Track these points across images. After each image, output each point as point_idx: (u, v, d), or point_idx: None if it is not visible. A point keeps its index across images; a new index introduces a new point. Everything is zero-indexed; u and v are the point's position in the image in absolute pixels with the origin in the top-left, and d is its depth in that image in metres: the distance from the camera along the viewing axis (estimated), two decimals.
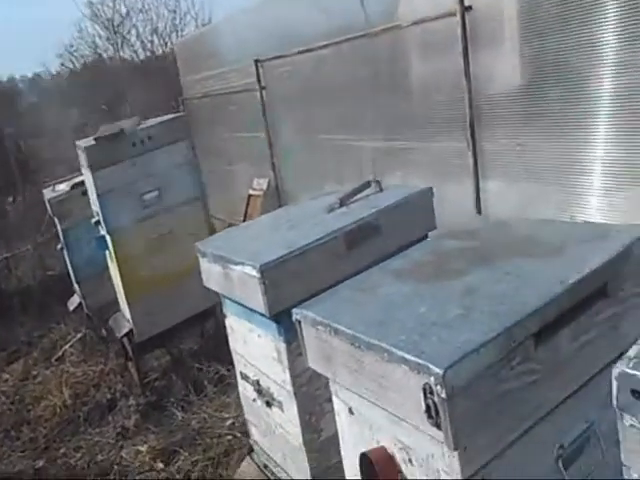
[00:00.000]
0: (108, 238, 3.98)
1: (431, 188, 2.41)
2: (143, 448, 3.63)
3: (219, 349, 4.22)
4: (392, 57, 3.95)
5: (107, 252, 4.17)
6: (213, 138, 6.82)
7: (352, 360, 1.52)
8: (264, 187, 5.79)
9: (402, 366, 1.34)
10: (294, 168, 5.37)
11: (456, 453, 1.31)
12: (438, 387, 1.23)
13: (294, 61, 4.91)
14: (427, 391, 1.27)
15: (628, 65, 2.56)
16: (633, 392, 0.71)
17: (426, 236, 2.32)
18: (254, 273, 2.00)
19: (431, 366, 1.25)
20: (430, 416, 1.28)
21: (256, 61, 5.34)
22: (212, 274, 2.35)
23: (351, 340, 1.50)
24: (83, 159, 3.91)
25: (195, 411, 3.89)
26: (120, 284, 4.05)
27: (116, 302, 4.54)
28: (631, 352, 0.74)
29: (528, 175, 3.32)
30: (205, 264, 2.40)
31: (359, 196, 2.45)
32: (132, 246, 3.99)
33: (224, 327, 4.36)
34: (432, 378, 1.24)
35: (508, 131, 3.34)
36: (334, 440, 2.15)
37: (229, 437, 3.54)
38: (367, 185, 2.48)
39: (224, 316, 2.52)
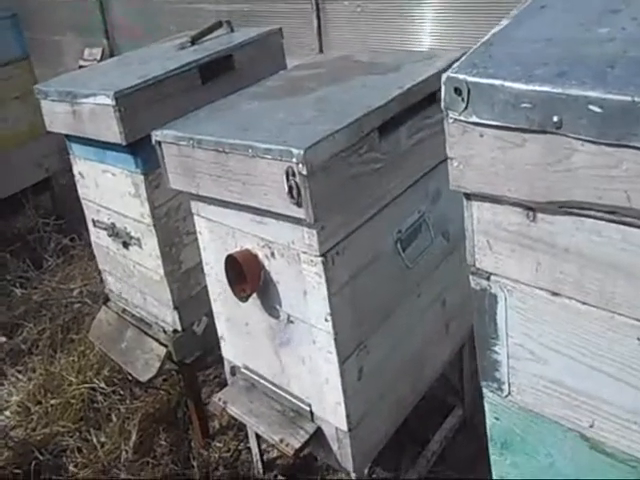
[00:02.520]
0: None
1: (280, 29, 2.61)
2: None
3: (59, 220, 4.26)
4: None
5: None
6: (32, 3, 6.40)
7: (216, 167, 1.73)
8: (97, 57, 5.63)
9: (266, 157, 1.56)
10: (131, 35, 5.26)
11: (315, 232, 1.58)
12: (299, 166, 1.48)
13: None
14: (289, 174, 1.52)
15: None
16: (455, 89, 0.98)
17: None
18: (108, 101, 2.09)
19: (293, 149, 1.49)
20: (292, 196, 1.54)
21: None
22: (57, 114, 2.39)
23: (214, 146, 1.69)
24: None
25: (36, 286, 3.93)
26: None
27: None
28: (455, 64, 1.02)
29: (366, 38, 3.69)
30: (48, 105, 2.42)
31: (211, 36, 2.59)
32: None
33: (63, 197, 4.37)
34: (294, 159, 1.49)
35: None
36: (194, 272, 2.41)
37: (77, 305, 3.65)
38: (218, 25, 2.61)
39: (72, 164, 2.58)
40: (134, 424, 2.61)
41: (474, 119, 0.99)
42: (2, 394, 3.09)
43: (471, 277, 1.10)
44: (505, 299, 1.06)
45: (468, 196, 1.06)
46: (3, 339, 3.52)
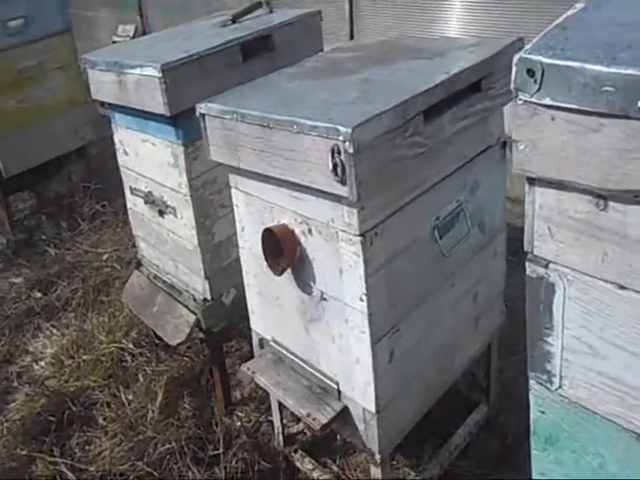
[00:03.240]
0: None
1: (319, 11, 2.50)
2: (18, 280, 3.60)
3: (93, 187, 4.21)
4: None
5: None
6: None
7: (259, 141, 1.63)
8: (130, 34, 5.52)
9: (311, 134, 1.46)
10: (164, 12, 5.15)
11: (355, 211, 1.49)
12: (346, 144, 1.38)
13: None
14: (335, 151, 1.42)
15: None
16: (528, 71, 0.89)
17: None
18: (155, 73, 2.00)
19: (340, 127, 1.39)
20: (336, 174, 1.44)
21: None
22: (103, 84, 2.31)
23: (259, 121, 1.60)
24: None
25: (69, 247, 3.88)
26: None
27: None
28: (527, 46, 0.92)
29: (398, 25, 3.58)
30: (95, 74, 2.34)
31: (250, 15, 2.49)
32: None
33: (97, 166, 4.32)
34: (341, 137, 1.39)
35: None
36: (225, 244, 2.33)
37: (107, 269, 3.59)
38: (258, 5, 2.51)
39: (113, 132, 2.50)
40: (160, 386, 2.55)
41: (547, 101, 0.89)
42: (37, 346, 3.05)
43: (527, 264, 1.00)
44: (564, 289, 0.97)
45: (532, 181, 0.97)
46: (38, 295, 3.48)
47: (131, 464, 2.18)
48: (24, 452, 2.37)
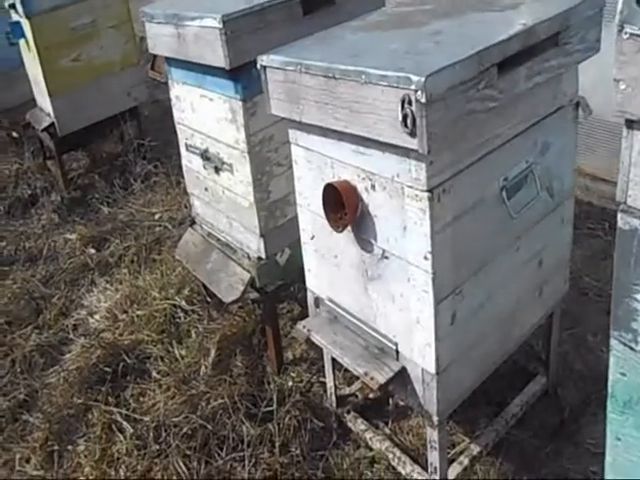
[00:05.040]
0: (25, 23, 3.73)
1: None
2: (72, 236, 3.66)
3: (145, 147, 4.23)
4: None
5: (22, 41, 3.93)
6: None
7: (323, 93, 1.59)
8: None
9: (380, 84, 1.41)
10: None
11: (424, 165, 1.44)
12: (418, 93, 1.33)
13: None
14: (405, 101, 1.37)
15: None
16: (638, 1, 0.83)
17: None
18: (215, 24, 1.97)
19: (412, 76, 1.34)
20: (406, 125, 1.39)
21: None
22: (161, 37, 2.29)
23: (324, 72, 1.55)
24: None
25: (121, 206, 3.93)
26: (40, 74, 3.84)
27: (28, 103, 4.37)
28: None
29: None
30: (153, 27, 2.32)
31: None
32: (53, 33, 3.77)
33: (148, 127, 4.34)
34: (413, 86, 1.34)
35: None
36: (281, 203, 2.31)
37: (158, 228, 3.62)
38: None
39: (169, 87, 2.49)
40: (213, 343, 2.58)
41: None
42: (92, 300, 3.11)
43: (620, 215, 0.95)
44: None
45: (631, 124, 0.91)
46: (92, 251, 3.54)
47: (185, 416, 2.21)
48: (80, 400, 2.43)
